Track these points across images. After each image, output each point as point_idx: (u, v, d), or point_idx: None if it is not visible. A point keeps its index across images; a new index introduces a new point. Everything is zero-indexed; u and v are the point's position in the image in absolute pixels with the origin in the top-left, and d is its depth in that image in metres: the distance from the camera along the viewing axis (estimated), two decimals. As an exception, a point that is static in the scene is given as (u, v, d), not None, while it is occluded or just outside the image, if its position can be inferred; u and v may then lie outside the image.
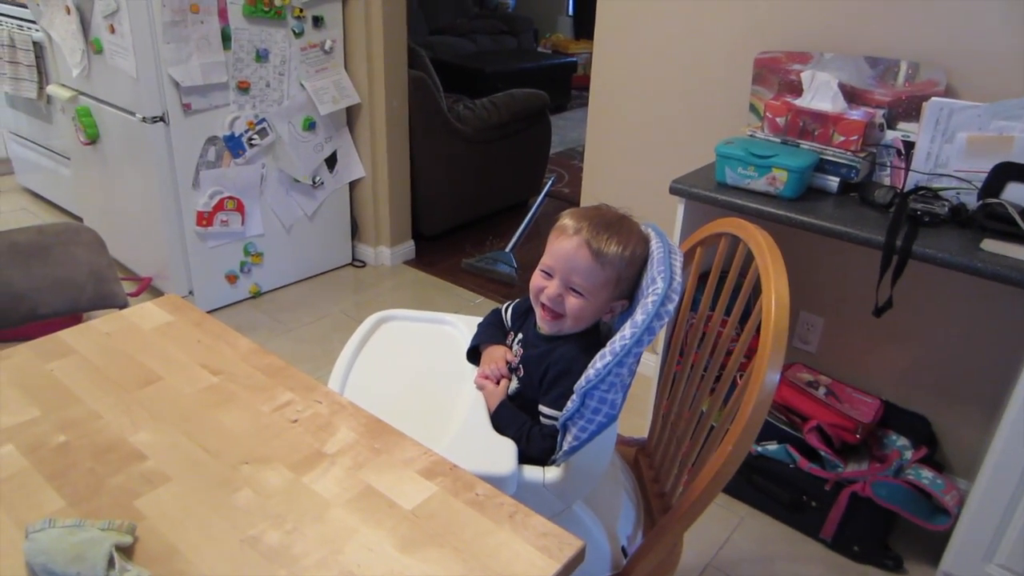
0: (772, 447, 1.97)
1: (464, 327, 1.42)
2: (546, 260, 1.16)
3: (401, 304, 2.98)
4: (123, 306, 1.44)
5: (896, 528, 1.93)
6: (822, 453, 1.90)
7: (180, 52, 2.35)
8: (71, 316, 1.68)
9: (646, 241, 1.17)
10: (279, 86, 2.68)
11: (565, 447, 1.07)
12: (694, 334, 1.33)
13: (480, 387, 1.22)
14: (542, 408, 1.15)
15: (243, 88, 2.57)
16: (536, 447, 1.12)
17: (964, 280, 1.72)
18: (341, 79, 2.87)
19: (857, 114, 1.79)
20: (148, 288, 2.73)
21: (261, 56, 2.58)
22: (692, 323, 1.35)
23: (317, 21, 2.71)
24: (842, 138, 1.78)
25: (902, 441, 2.00)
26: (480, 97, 3.59)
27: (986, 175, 1.64)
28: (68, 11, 2.49)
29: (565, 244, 1.13)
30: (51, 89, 2.81)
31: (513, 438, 1.12)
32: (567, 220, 1.16)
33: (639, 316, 1.02)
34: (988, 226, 1.57)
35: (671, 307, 1.02)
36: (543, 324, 1.18)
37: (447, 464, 0.89)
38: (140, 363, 1.07)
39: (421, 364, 1.33)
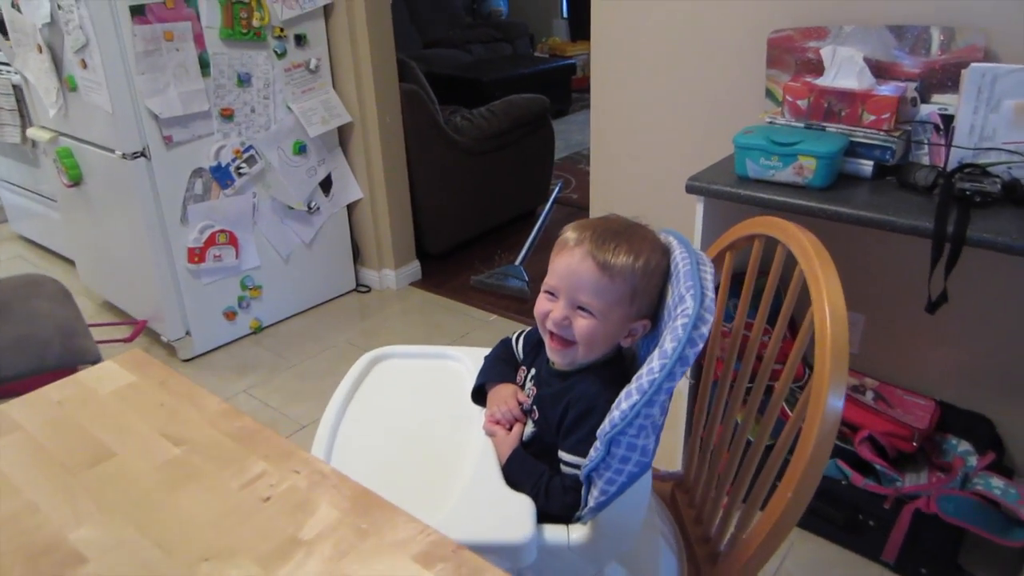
0: (819, 462, 1.79)
1: (470, 361, 1.26)
2: (549, 280, 1.00)
3: (409, 329, 2.84)
4: (95, 361, 1.29)
5: (966, 544, 1.75)
6: (877, 466, 1.73)
7: (156, 82, 2.23)
8: (44, 375, 1.54)
9: (664, 250, 1.01)
10: (265, 110, 2.55)
11: (591, 502, 0.91)
12: (730, 347, 1.16)
13: (489, 434, 1.07)
14: (562, 455, 0.99)
15: (226, 115, 2.44)
16: (557, 502, 0.96)
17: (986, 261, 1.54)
18: (330, 98, 2.74)
19: (887, 89, 1.62)
20: (143, 331, 2.60)
21: (243, 80, 2.45)
22: (726, 333, 1.18)
23: (300, 40, 2.58)
24: (872, 117, 1.61)
25: (964, 446, 1.81)
26: (480, 107, 3.45)
27: (1040, 145, 1.47)
28: (40, 49, 2.37)
29: (567, 258, 0.98)
30: (31, 132, 2.71)
31: (530, 494, 0.97)
32: (569, 232, 1.01)
33: (668, 344, 0.85)
34: (1049, 202, 1.40)
35: (705, 330, 0.86)
36: (553, 355, 1.02)
37: (449, 545, 0.74)
38: (92, 437, 0.93)
39: (421, 409, 1.18)
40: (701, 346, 0.85)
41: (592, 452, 0.90)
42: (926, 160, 1.64)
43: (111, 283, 2.80)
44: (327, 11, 2.65)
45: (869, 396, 1.91)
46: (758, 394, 1.09)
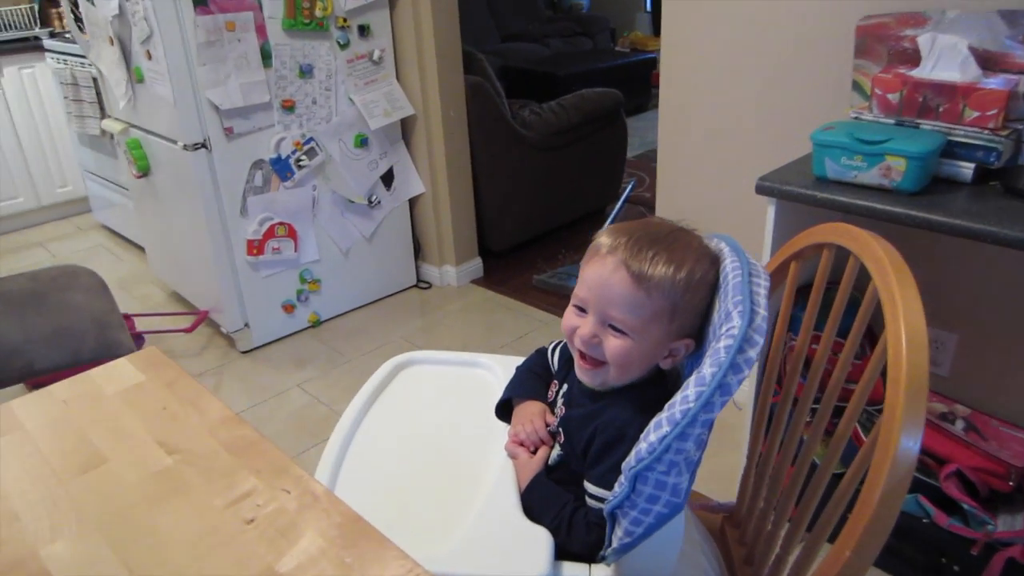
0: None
1: (501, 371, 1.17)
2: (578, 291, 0.90)
3: (468, 327, 2.77)
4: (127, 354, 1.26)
5: (1068, 598, 1.53)
6: (965, 506, 1.54)
7: (217, 73, 2.23)
8: (78, 367, 1.53)
9: (712, 259, 0.89)
10: (326, 102, 2.52)
11: (615, 542, 0.80)
12: (794, 363, 1.03)
13: (512, 455, 0.97)
14: (588, 487, 0.88)
15: (287, 107, 2.42)
16: (579, 539, 0.86)
17: None
18: (393, 90, 2.70)
19: (995, 82, 1.43)
20: (204, 322, 2.62)
21: (305, 72, 2.43)
22: (791, 346, 1.04)
23: (363, 30, 2.53)
24: (976, 113, 1.43)
25: (1069, 482, 1.60)
26: (551, 101, 3.35)
27: None
28: (111, 42, 2.42)
29: (598, 268, 0.87)
30: (105, 123, 2.77)
31: (550, 526, 0.87)
32: (602, 238, 0.89)
33: (707, 369, 0.74)
34: None
35: (752, 354, 0.74)
36: (582, 375, 0.91)
37: (437, 592, 0.65)
38: (88, 440, 0.88)
39: (442, 421, 1.09)
40: (747, 373, 0.73)
41: (616, 487, 0.79)
42: (1037, 163, 1.44)
43: (177, 273, 2.84)
44: (391, 1, 2.60)
45: (959, 426, 1.72)
46: (825, 415, 0.95)
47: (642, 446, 0.75)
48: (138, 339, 2.51)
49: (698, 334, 0.89)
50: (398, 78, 2.72)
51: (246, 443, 0.86)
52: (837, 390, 0.92)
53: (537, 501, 0.90)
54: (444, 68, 2.69)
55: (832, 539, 0.85)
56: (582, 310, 0.89)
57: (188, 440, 0.87)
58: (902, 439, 0.70)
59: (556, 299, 2.93)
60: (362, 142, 2.66)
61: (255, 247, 2.46)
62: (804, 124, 1.79)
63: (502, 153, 3.04)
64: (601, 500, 0.86)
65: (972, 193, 1.41)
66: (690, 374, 0.91)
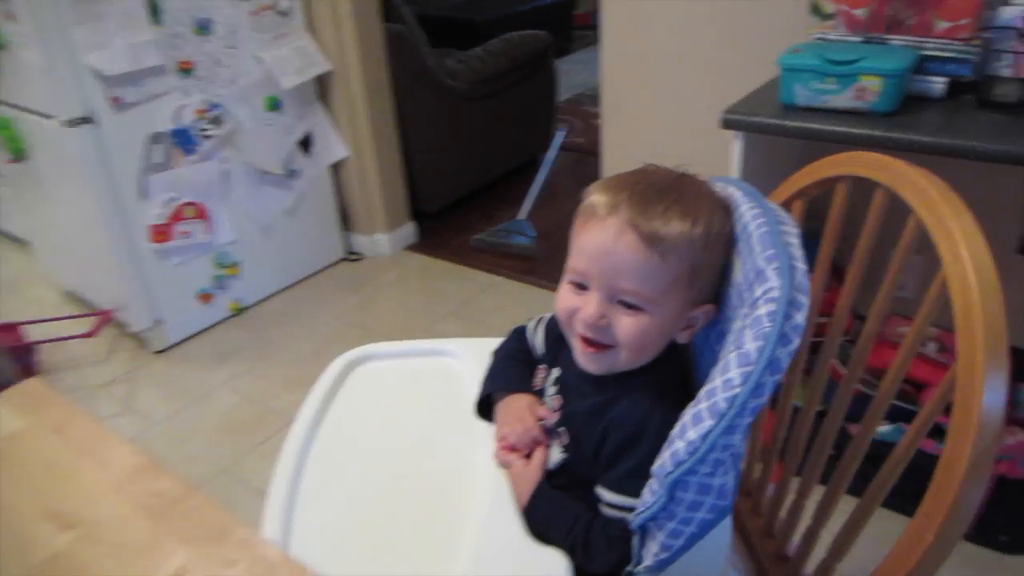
0: (884, 428, 1.56)
1: (472, 358, 1.01)
2: (574, 263, 0.74)
3: (407, 298, 2.58)
4: (6, 385, 1.02)
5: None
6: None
7: (98, 33, 1.93)
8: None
9: (726, 209, 0.74)
10: (230, 62, 2.25)
11: (649, 559, 0.66)
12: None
13: (504, 464, 0.81)
14: (603, 493, 0.74)
15: (185, 69, 2.14)
16: (599, 559, 0.72)
17: None
18: (305, 45, 2.44)
19: (966, -12, 1.32)
20: (109, 323, 2.34)
21: (202, 28, 2.15)
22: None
23: (263, -23, 2.26)
24: (947, 24, 1.33)
25: (1042, 398, 1.57)
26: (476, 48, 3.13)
27: None
28: (-36, 5, 2.07)
29: (599, 234, 0.71)
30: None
31: (563, 546, 0.72)
32: (596, 196, 0.73)
33: (751, 343, 0.60)
34: None
35: (800, 319, 0.60)
36: (585, 362, 0.76)
37: None
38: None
39: (413, 427, 0.92)
40: (796, 343, 0.60)
41: (647, 494, 0.65)
42: (1007, 74, 1.35)
43: (72, 270, 2.53)
44: (293, -56, 2.33)
45: (932, 348, 1.67)
46: (855, 373, 0.83)
47: (679, 446, 0.61)
48: (28, 353, 2.21)
49: (716, 297, 0.75)
50: (310, 31, 2.45)
51: (169, 501, 0.67)
52: (872, 335, 0.80)
53: (543, 518, 0.75)
54: (361, 17, 2.44)
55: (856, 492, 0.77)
56: (581, 287, 0.74)
57: (89, 506, 0.67)
58: (985, 400, 0.58)
59: (499, 258, 2.77)
60: (274, 105, 2.40)
61: (161, 232, 2.20)
62: (759, 52, 1.66)
63: (429, 107, 2.82)
64: (620, 508, 0.72)
65: (946, 109, 1.33)
66: (704, 345, 0.77)
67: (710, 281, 0.73)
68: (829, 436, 0.93)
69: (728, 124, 1.39)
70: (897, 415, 1.53)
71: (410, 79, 2.71)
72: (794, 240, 0.66)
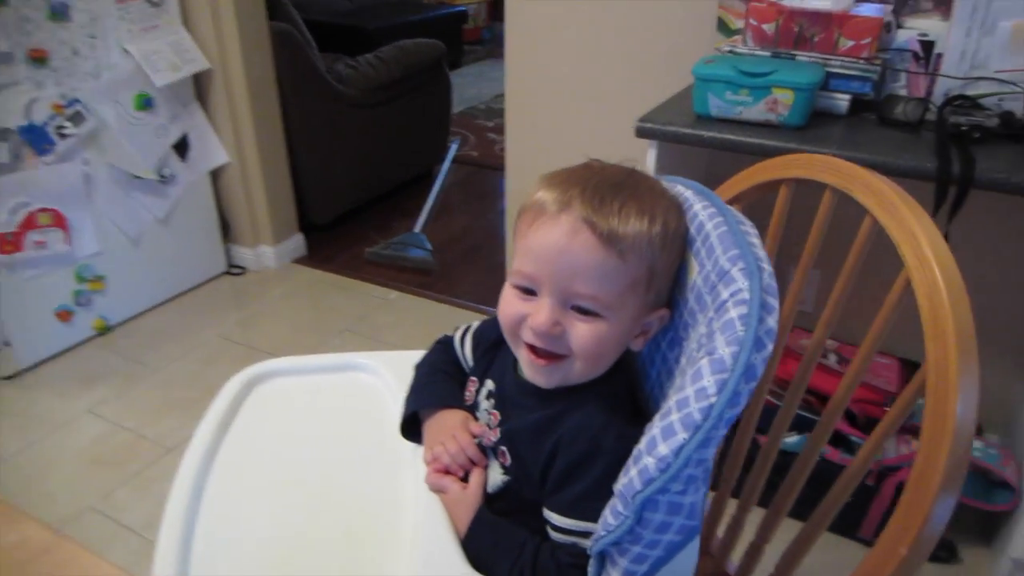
0: (791, 440, 1.58)
1: (387, 372, 0.91)
2: (520, 266, 0.66)
3: (296, 314, 2.42)
4: None
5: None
6: (852, 438, 1.53)
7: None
8: None
9: (679, 207, 0.69)
10: (92, 53, 2.03)
11: (609, 588, 0.59)
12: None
13: (437, 489, 0.72)
14: (552, 518, 0.66)
15: (37, 59, 1.91)
16: None
17: (991, 208, 1.36)
18: (180, 39, 2.24)
19: (868, 9, 1.36)
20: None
21: (58, 13, 1.92)
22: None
23: (132, -37, 2.06)
24: (850, 43, 1.36)
25: (935, 409, 1.65)
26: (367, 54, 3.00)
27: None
28: None
29: (550, 233, 0.64)
30: None
31: None
32: (543, 192, 0.66)
33: (724, 348, 0.55)
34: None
35: (772, 323, 0.56)
36: (534, 374, 0.69)
37: None
38: None
39: (326, 452, 0.81)
40: (770, 348, 0.55)
41: (610, 517, 0.58)
42: (903, 93, 1.41)
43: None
44: (167, -71, 2.14)
45: (832, 359, 1.72)
46: (796, 391, 0.81)
47: (649, 462, 0.55)
48: None
49: (669, 301, 0.70)
50: (186, 24, 2.26)
51: (31, 555, 0.54)
52: (815, 351, 0.78)
53: (486, 547, 0.67)
54: (243, 12, 2.27)
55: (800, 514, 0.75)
56: (529, 292, 0.66)
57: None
58: (959, 407, 0.55)
59: (394, 272, 2.66)
60: (145, 103, 2.18)
61: (8, 242, 1.94)
62: (667, 63, 1.66)
63: (318, 113, 2.67)
64: (572, 533, 0.65)
65: (850, 125, 1.36)
66: (656, 352, 0.72)
67: (666, 284, 0.68)
68: (742, 448, 0.92)
69: (642, 133, 1.37)
70: (803, 425, 1.55)
71: (298, 82, 2.56)
72: (756, 241, 0.62)
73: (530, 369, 0.68)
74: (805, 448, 0.81)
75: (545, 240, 0.64)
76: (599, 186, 0.64)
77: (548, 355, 0.66)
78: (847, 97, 1.37)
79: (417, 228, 2.91)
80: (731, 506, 0.93)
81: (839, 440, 1.55)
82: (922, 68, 1.38)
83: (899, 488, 1.49)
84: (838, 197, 0.72)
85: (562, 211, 0.63)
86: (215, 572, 0.67)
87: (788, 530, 0.86)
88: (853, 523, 1.56)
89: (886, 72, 1.40)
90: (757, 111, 1.31)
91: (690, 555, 0.60)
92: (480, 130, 4.17)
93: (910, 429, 1.63)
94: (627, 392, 0.72)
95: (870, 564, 0.60)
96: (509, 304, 0.68)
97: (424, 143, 3.35)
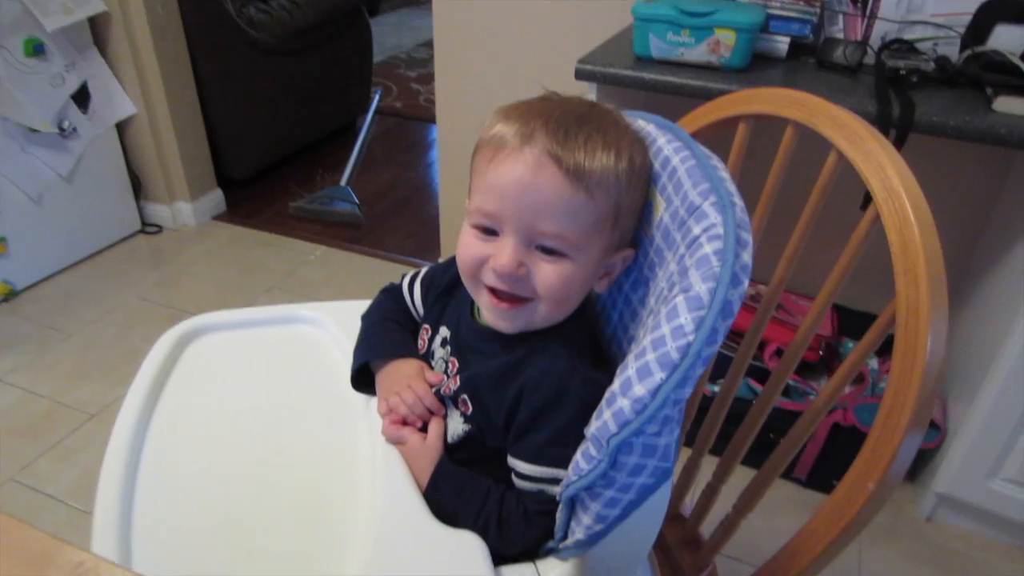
0: (716, 387, 1.62)
1: (332, 323, 0.87)
2: (480, 204, 0.63)
3: (220, 273, 2.31)
4: None
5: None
6: (790, 382, 1.57)
7: None
8: None
9: (642, 142, 0.67)
10: (-27, -7, 1.84)
11: (580, 533, 0.59)
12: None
13: (395, 440, 0.70)
14: (516, 464, 0.65)
15: (-89, -2, 1.72)
16: (516, 537, 0.63)
17: (925, 153, 1.41)
18: (73, -22, 2.06)
19: (804, -52, 1.36)
20: None
21: (-68, -53, 1.73)
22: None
23: None
24: (789, -16, 1.36)
25: (864, 349, 1.71)
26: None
27: (970, 18, 1.29)
28: None
29: (514, 168, 0.61)
30: None
31: (474, 528, 0.62)
32: (502, 126, 0.63)
33: (700, 285, 0.53)
34: (987, 80, 1.23)
35: (747, 258, 0.55)
36: (496, 319, 0.66)
37: None
38: None
39: (272, 409, 0.77)
40: (746, 284, 0.54)
41: (582, 461, 0.57)
42: (840, 36, 1.42)
43: None
44: None
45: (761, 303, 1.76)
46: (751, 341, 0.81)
47: (623, 404, 0.53)
48: None
49: (634, 241, 0.68)
50: (77, -40, 2.08)
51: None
52: (775, 294, 0.78)
53: (449, 498, 0.65)
54: (141, -51, 2.10)
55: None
56: (490, 232, 0.63)
57: None
58: (930, 343, 0.56)
59: (321, 226, 2.57)
60: (36, 49, 2.00)
61: None
62: (605, 5, 1.63)
63: (231, 60, 2.52)
64: (538, 480, 0.63)
65: (789, 68, 1.37)
66: (619, 293, 0.71)
67: (631, 223, 0.66)
68: (695, 398, 0.92)
69: (582, 75, 1.34)
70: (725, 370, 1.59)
71: (206, 26, 2.40)
72: (726, 175, 0.61)
73: (492, 314, 0.66)
74: (761, 396, 0.81)
75: (507, 176, 0.60)
76: (562, 118, 0.61)
77: (511, 298, 0.64)
78: (787, 40, 1.37)
79: (343, 181, 2.82)
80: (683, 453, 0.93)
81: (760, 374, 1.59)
82: (859, 12, 1.39)
83: (832, 429, 1.54)
84: (800, 133, 0.71)
85: (524, 144, 0.60)
86: (160, 541, 0.63)
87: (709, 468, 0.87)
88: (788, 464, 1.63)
89: (824, 15, 1.40)
90: (698, 52, 1.30)
91: (661, 498, 0.60)
92: (403, 80, 4.05)
93: (835, 371, 1.69)
94: (590, 336, 0.71)
95: (838, 499, 0.61)
96: (469, 246, 0.64)
97: (345, 94, 3.22)
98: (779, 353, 1.61)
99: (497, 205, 0.62)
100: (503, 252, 0.62)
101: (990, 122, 1.11)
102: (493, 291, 0.64)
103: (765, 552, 0.69)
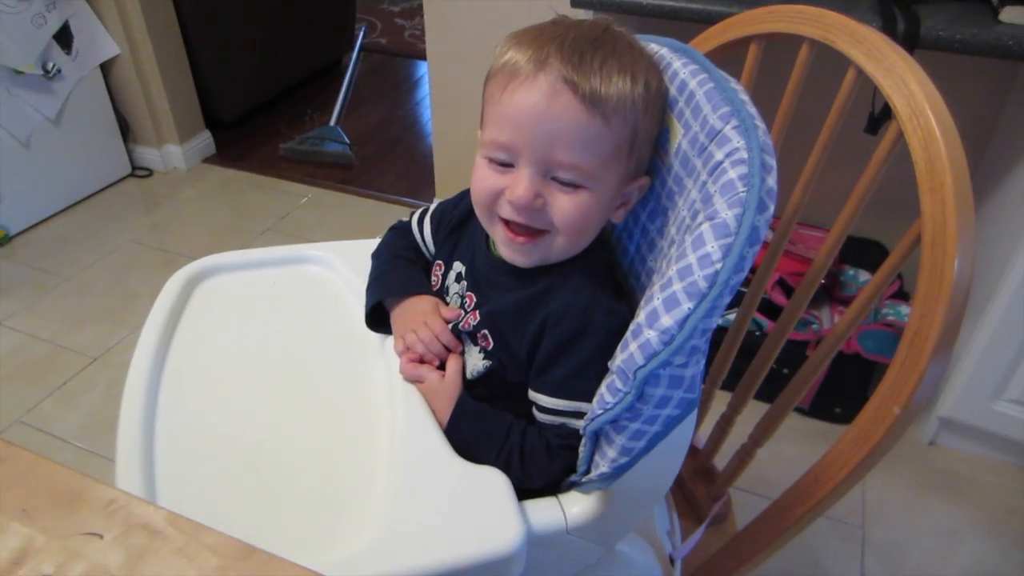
0: (732, 316, 1.63)
1: (341, 263, 0.86)
2: (494, 136, 0.62)
3: (213, 215, 2.29)
4: None
5: (874, 376, 1.68)
6: (794, 312, 1.58)
7: None
8: None
9: (657, 65, 0.65)
10: (-56, -73, 1.76)
11: (604, 466, 0.60)
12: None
13: (413, 379, 0.70)
14: (539, 399, 0.65)
15: None
16: (539, 471, 0.64)
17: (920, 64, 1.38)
18: (45, -90, 1.97)
19: None
20: None
21: None
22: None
23: None
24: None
25: (864, 276, 1.72)
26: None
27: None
28: None
29: (529, 95, 0.59)
30: None
31: (497, 464, 0.63)
32: (514, 52, 0.61)
33: (726, 212, 0.53)
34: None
35: (772, 183, 0.54)
36: (512, 253, 0.66)
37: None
38: None
39: (285, 350, 0.77)
40: (771, 209, 0.53)
41: (607, 395, 0.57)
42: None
43: None
44: None
45: (770, 236, 1.75)
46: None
47: (650, 335, 0.53)
48: None
49: (649, 169, 0.67)
50: None
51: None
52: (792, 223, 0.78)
53: (471, 435, 0.65)
54: None
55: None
56: (505, 164, 0.62)
57: None
58: (958, 263, 0.55)
59: (312, 167, 2.54)
60: (13, -13, 1.93)
61: None
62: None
63: (213, -3, 2.44)
64: (561, 414, 0.64)
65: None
66: (635, 224, 0.70)
67: (647, 150, 0.65)
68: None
69: (579, 3, 1.31)
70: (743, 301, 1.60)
71: (187, -39, 2.31)
72: (746, 97, 0.59)
73: (507, 248, 0.65)
74: (775, 330, 0.81)
75: (522, 104, 0.59)
76: (576, 42, 0.59)
77: (527, 231, 0.63)
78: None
79: (332, 121, 2.76)
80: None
81: (776, 313, 1.60)
82: (858, -74, 1.35)
83: (835, 357, 1.56)
84: (816, 50, 0.70)
85: (539, 71, 0.59)
86: (183, 480, 0.64)
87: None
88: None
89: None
90: (696, -26, 1.26)
91: (686, 429, 0.60)
92: (387, 16, 3.93)
93: (842, 300, 1.69)
94: (608, 267, 0.70)
95: (861, 424, 0.61)
96: (483, 178, 0.64)
97: (329, 31, 3.13)
98: (781, 283, 1.62)
99: (512, 135, 0.60)
100: (519, 184, 0.61)
101: (997, 33, 1.09)
102: (508, 224, 0.64)
103: (771, 481, 0.71)
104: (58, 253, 2.08)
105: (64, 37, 2.12)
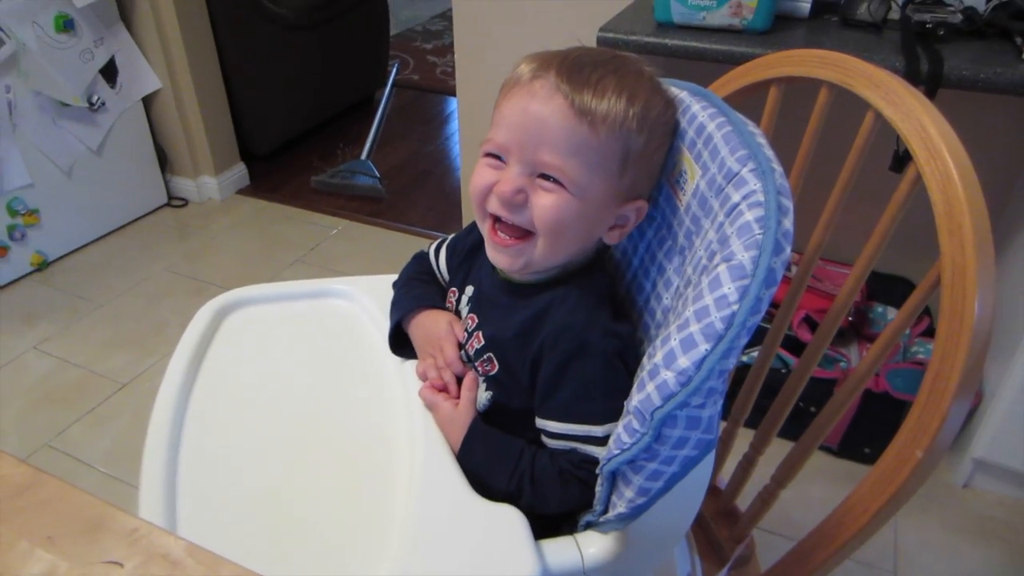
0: (756, 353, 1.62)
1: (366, 297, 0.88)
2: (493, 135, 0.65)
3: (244, 246, 2.33)
4: None
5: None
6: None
7: None
8: None
9: (668, 100, 0.67)
10: (1, -31, 1.85)
11: (621, 506, 0.60)
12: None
13: (428, 405, 0.71)
14: (546, 425, 0.66)
15: (-60, -25, 1.73)
16: (552, 496, 0.65)
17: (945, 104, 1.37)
18: (97, -46, 2.06)
19: (830, -95, 1.33)
20: None
21: (-42, -76, 1.74)
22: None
23: None
24: (813, -60, 1.33)
25: (892, 313, 1.70)
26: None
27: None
28: None
29: (522, 99, 0.63)
30: None
31: (507, 489, 0.64)
32: (524, 66, 0.65)
33: (743, 253, 0.53)
34: (1016, 29, 1.21)
35: (789, 225, 0.55)
36: (497, 256, 0.68)
37: None
38: None
39: (307, 380, 0.79)
40: (788, 253, 0.54)
41: (624, 436, 0.57)
42: (861, -5, 1.39)
43: None
44: None
45: (794, 271, 1.74)
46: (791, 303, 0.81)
47: (667, 376, 0.53)
48: None
49: (650, 196, 0.69)
50: (100, -65, 2.08)
51: (16, 488, 0.51)
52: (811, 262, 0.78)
53: (483, 459, 0.66)
54: (164, -77, 2.10)
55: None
56: (499, 159, 0.65)
57: None
58: (978, 305, 0.55)
59: (343, 200, 2.58)
60: (66, 25, 2.02)
61: (-70, 176, 1.80)
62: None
63: (252, 35, 2.52)
64: (569, 438, 0.64)
65: (814, 28, 1.35)
66: (646, 252, 0.71)
67: (646, 175, 0.66)
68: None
69: (604, 43, 1.33)
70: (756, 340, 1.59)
71: (228, 1, 2.39)
72: (764, 140, 0.60)
73: (494, 251, 0.67)
74: (798, 367, 0.81)
75: (516, 106, 0.63)
76: (580, 59, 0.63)
77: (511, 231, 0.65)
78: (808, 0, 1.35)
79: (364, 155, 2.82)
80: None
81: (803, 350, 1.59)
82: (882, -32, 1.36)
83: (864, 396, 1.53)
84: (835, 94, 0.70)
85: (536, 79, 0.62)
86: (204, 510, 0.65)
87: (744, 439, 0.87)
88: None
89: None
90: (720, 16, 1.28)
91: (705, 470, 0.60)
92: (419, 53, 4.02)
93: (870, 337, 1.67)
94: (608, 290, 0.71)
95: (884, 468, 0.61)
96: (479, 175, 0.66)
97: (363, 67, 3.21)
98: (807, 320, 1.61)
99: (505, 135, 0.64)
100: (505, 180, 0.64)
101: (1021, 73, 1.09)
102: (496, 224, 0.66)
103: (798, 523, 0.70)
104: (93, 280, 2.14)
105: (110, 71, 2.20)
